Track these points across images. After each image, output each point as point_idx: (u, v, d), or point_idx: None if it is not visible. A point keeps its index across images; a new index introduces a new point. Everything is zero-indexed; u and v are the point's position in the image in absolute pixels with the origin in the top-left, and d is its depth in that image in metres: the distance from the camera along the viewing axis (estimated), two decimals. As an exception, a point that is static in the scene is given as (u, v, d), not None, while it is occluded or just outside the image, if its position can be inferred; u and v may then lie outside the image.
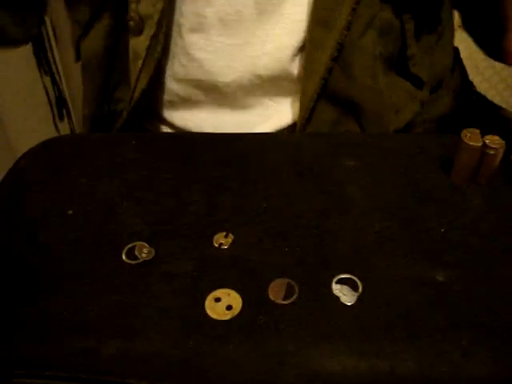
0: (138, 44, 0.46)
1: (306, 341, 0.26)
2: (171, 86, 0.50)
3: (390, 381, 0.25)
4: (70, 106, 0.74)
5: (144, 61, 0.46)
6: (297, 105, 0.48)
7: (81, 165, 0.38)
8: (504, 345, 0.26)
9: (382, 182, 0.35)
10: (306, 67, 0.45)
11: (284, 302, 0.28)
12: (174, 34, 0.47)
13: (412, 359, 0.25)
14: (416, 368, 0.25)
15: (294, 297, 0.28)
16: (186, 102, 0.50)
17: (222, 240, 0.31)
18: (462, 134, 0.34)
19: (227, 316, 0.27)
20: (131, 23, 0.46)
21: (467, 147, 0.33)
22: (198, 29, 0.46)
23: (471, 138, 0.33)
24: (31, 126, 0.90)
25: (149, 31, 0.45)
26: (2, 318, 0.28)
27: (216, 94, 0.49)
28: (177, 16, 0.46)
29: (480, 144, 0.33)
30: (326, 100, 0.46)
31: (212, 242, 0.31)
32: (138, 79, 0.47)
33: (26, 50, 0.51)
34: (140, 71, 0.46)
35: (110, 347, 0.26)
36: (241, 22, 0.46)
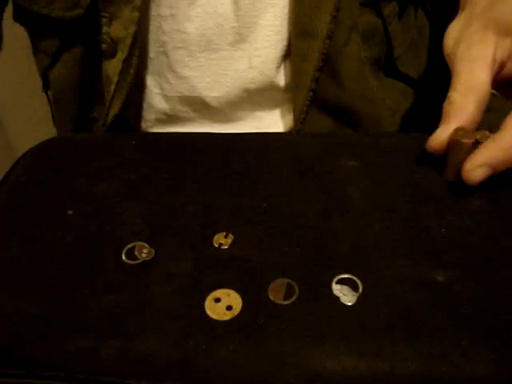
0: (110, 68, 0.45)
1: (306, 341, 0.26)
2: (159, 104, 0.49)
3: (390, 381, 0.25)
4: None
5: (116, 85, 0.45)
6: (289, 115, 0.47)
7: (81, 165, 0.38)
8: (504, 345, 0.26)
9: (383, 182, 0.35)
10: (294, 79, 0.45)
11: (284, 302, 0.28)
12: (159, 52, 0.46)
13: (412, 359, 0.25)
14: (416, 368, 0.25)
15: (294, 297, 0.28)
16: (174, 119, 0.50)
17: (222, 240, 0.31)
18: (454, 131, 0.34)
19: (227, 316, 0.27)
20: (104, 46, 0.45)
21: (459, 144, 0.33)
22: (181, 46, 0.45)
23: (464, 135, 0.33)
24: (31, 126, 0.90)
25: (121, 55, 0.44)
26: (2, 317, 0.28)
27: (204, 109, 0.48)
28: (159, 34, 0.45)
29: (472, 141, 0.33)
30: (318, 109, 0.46)
31: (212, 242, 0.31)
32: (110, 104, 0.46)
33: (26, 50, 0.51)
34: (113, 96, 0.45)
35: (109, 347, 0.26)
36: (223, 36, 0.45)
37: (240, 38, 0.45)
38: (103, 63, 0.46)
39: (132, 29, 0.42)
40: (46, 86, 0.51)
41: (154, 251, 0.31)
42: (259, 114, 0.49)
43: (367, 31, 0.45)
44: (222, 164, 0.37)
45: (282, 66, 0.46)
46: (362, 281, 0.29)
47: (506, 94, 0.40)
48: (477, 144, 0.33)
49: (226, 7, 0.44)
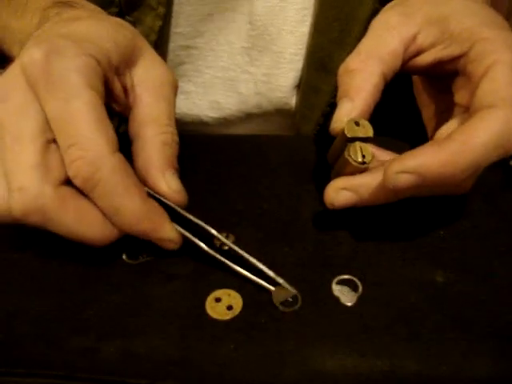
0: None
1: (306, 340, 0.26)
2: None
3: (389, 380, 0.25)
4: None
5: None
6: None
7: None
8: (503, 345, 0.26)
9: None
10: (302, 110, 0.44)
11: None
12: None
13: (412, 359, 0.25)
14: (416, 368, 0.25)
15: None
16: None
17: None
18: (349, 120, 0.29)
19: (228, 316, 0.28)
20: None
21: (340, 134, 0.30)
22: (187, 61, 0.44)
23: (354, 123, 0.29)
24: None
25: None
26: (3, 316, 0.28)
27: (200, 127, 0.47)
28: (169, 49, 0.44)
29: (351, 136, 0.29)
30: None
31: (213, 243, 0.31)
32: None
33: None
34: None
35: (110, 346, 0.26)
36: (232, 55, 0.44)
37: (249, 60, 0.44)
38: None
39: (152, 37, 0.41)
40: None
41: (154, 251, 0.31)
42: None
43: None
44: (222, 165, 0.37)
45: (291, 96, 0.45)
46: (361, 281, 0.29)
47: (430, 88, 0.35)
48: (353, 140, 0.29)
49: (239, 25, 0.43)
